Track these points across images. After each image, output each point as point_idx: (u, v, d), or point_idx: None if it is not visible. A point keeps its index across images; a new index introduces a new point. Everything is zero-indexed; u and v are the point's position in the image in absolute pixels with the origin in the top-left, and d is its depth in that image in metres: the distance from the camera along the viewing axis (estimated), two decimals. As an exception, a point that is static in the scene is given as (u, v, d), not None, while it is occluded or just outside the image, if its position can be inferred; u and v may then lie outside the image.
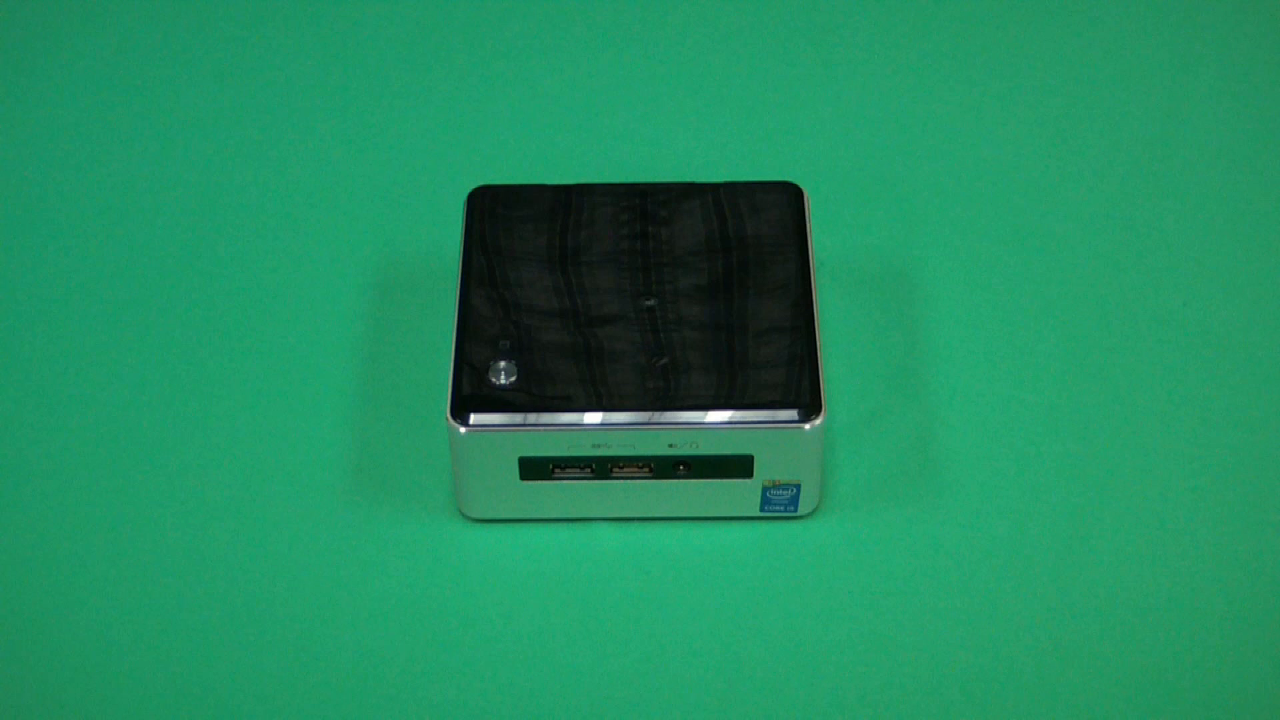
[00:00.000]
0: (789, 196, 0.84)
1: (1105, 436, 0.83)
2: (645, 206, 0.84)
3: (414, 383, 0.85)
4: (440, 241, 0.89)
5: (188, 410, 0.84)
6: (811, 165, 0.93)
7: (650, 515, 0.81)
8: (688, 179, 0.88)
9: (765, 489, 0.80)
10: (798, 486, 0.80)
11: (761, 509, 0.81)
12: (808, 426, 0.78)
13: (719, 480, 0.79)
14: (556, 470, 0.79)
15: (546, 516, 0.81)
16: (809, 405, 0.78)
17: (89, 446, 0.83)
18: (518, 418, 0.78)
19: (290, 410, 0.84)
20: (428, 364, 0.85)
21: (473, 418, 0.78)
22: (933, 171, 0.93)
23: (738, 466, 0.79)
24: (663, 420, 0.78)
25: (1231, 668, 0.77)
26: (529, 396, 0.78)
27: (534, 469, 0.79)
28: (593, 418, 0.78)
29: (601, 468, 0.79)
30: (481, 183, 0.86)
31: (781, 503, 0.80)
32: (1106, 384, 0.85)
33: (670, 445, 0.78)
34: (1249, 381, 0.85)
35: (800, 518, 0.81)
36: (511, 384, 0.79)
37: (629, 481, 0.80)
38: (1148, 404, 0.84)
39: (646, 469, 0.79)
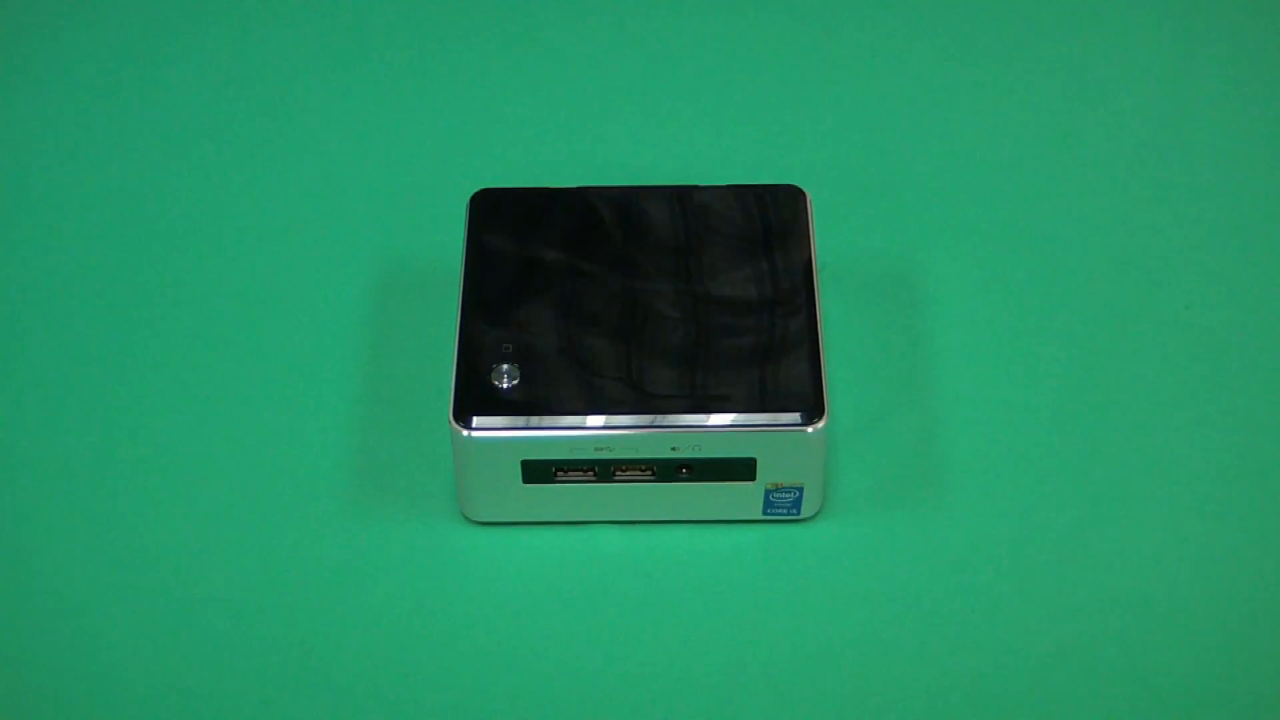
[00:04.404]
0: (791, 199, 0.84)
1: (1108, 440, 0.83)
2: (647, 209, 0.84)
3: (416, 386, 0.85)
4: (443, 245, 0.89)
5: (190, 412, 0.84)
6: (814, 168, 0.93)
7: (653, 518, 0.81)
8: (690, 182, 0.88)
9: (768, 492, 0.80)
10: (801, 489, 0.80)
11: (764, 512, 0.80)
12: (810, 429, 0.78)
13: (722, 483, 0.79)
14: (559, 473, 0.79)
15: (549, 519, 0.81)
16: (812, 408, 0.78)
17: (91, 449, 0.83)
18: (520, 421, 0.78)
19: (293, 413, 0.84)
20: (430, 367, 0.85)
21: (475, 421, 0.78)
22: (935, 174, 0.93)
23: (740, 469, 0.79)
24: (665, 423, 0.78)
25: (1235, 670, 0.77)
26: (531, 400, 0.78)
27: (536, 472, 0.79)
28: (595, 421, 0.78)
29: (604, 471, 0.79)
30: (484, 186, 0.86)
31: (784, 506, 0.80)
32: (1110, 387, 0.85)
33: (673, 448, 0.78)
34: (1252, 384, 0.85)
35: (803, 521, 0.81)
36: (514, 387, 0.79)
37: (631, 484, 0.80)
38: (1151, 407, 0.84)
39: (649, 472, 0.79)
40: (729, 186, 0.85)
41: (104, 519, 0.81)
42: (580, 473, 0.79)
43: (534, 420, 0.78)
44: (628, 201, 0.84)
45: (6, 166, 0.94)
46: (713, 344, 0.80)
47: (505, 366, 0.79)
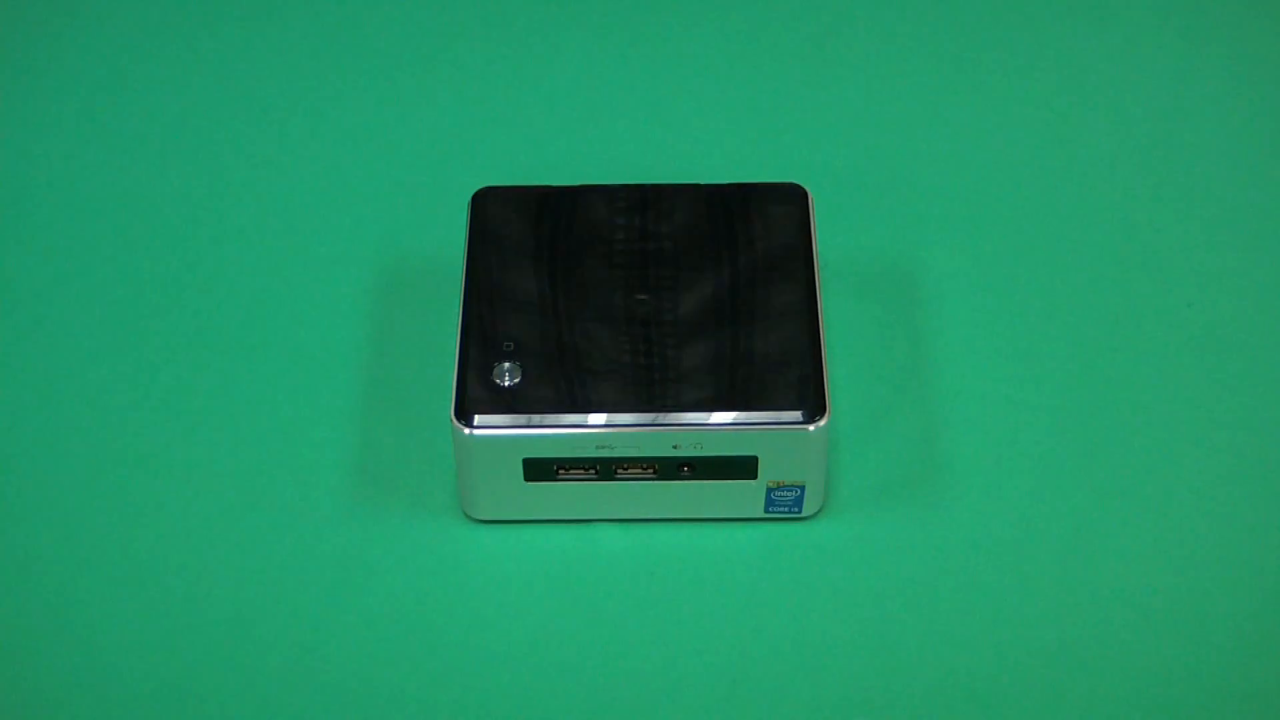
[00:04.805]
0: (793, 197, 0.84)
1: (1110, 438, 0.83)
2: (649, 208, 0.84)
3: (418, 384, 0.85)
4: (445, 243, 0.89)
5: (192, 411, 0.85)
6: (815, 166, 0.93)
7: (654, 516, 0.81)
8: (692, 180, 0.88)
9: (769, 490, 0.80)
10: (802, 488, 0.80)
11: (766, 510, 0.80)
12: (812, 428, 0.78)
13: (723, 481, 0.79)
14: (560, 471, 0.79)
15: (551, 517, 0.81)
16: (813, 406, 0.78)
17: (93, 447, 0.83)
18: (522, 419, 0.78)
19: (295, 412, 0.84)
20: (432, 365, 0.85)
21: (477, 419, 0.78)
22: (937, 172, 0.93)
23: (742, 468, 0.79)
24: (667, 421, 0.78)
25: (1237, 668, 0.77)
26: (533, 398, 0.78)
27: (538, 470, 0.79)
28: (597, 419, 0.78)
29: (605, 469, 0.79)
30: (486, 184, 0.86)
31: (786, 504, 0.80)
32: (1111, 385, 0.85)
33: (674, 446, 0.78)
34: (1253, 382, 0.85)
35: (804, 519, 0.81)
36: (515, 385, 0.79)
37: (633, 483, 0.80)
38: (1152, 405, 0.84)
39: (650, 470, 0.79)
40: (731, 184, 0.85)
41: (105, 517, 0.81)
42: (581, 471, 0.79)
43: (535, 418, 0.78)
44: (629, 200, 0.84)
45: (6, 166, 0.94)
46: (714, 342, 0.80)
47: (507, 365, 0.79)
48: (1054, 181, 0.93)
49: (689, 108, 0.96)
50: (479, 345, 0.80)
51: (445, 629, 0.78)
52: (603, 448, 0.78)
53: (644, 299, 0.81)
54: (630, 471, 0.79)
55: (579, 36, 0.99)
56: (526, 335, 0.80)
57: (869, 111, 0.96)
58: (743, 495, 0.80)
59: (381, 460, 0.83)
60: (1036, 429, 0.84)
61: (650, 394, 0.78)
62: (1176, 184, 0.93)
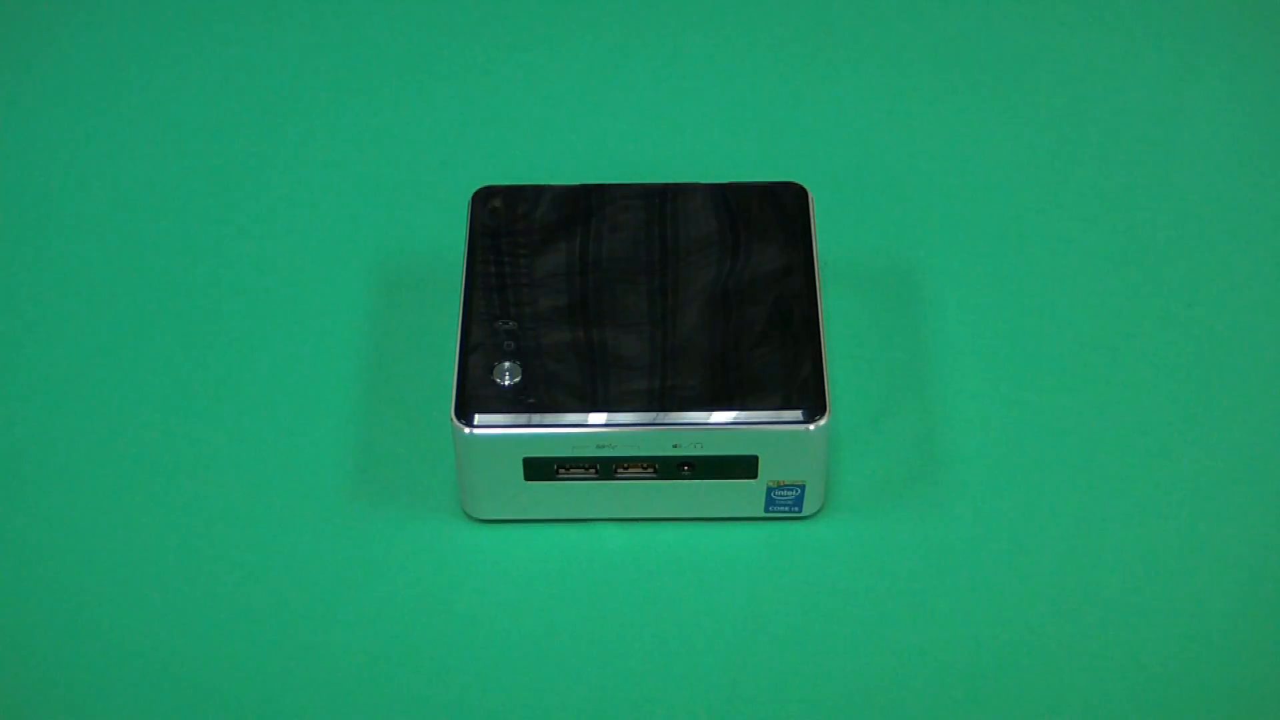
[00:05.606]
0: (793, 196, 0.84)
1: (1110, 437, 0.83)
2: (649, 206, 0.84)
3: (418, 383, 0.85)
4: (445, 241, 0.89)
5: (192, 410, 0.84)
6: (815, 165, 0.93)
7: (655, 516, 0.81)
8: (692, 179, 0.88)
9: (770, 489, 0.80)
10: (802, 487, 0.80)
11: (766, 509, 0.80)
12: (812, 427, 0.78)
13: (723, 481, 0.79)
14: (561, 471, 0.79)
15: (551, 517, 0.81)
16: (813, 406, 0.78)
17: (93, 446, 0.83)
18: (522, 418, 0.78)
19: (295, 411, 0.84)
20: (432, 364, 0.85)
21: (477, 418, 0.78)
22: (937, 172, 0.93)
23: (742, 467, 0.79)
24: (667, 421, 0.78)
25: (1237, 668, 0.77)
26: (533, 397, 0.78)
27: (538, 469, 0.79)
28: (597, 418, 0.78)
29: (606, 468, 0.79)
30: (486, 182, 0.86)
31: (786, 503, 0.80)
32: (1111, 384, 0.85)
33: (674, 446, 0.78)
34: (1253, 382, 0.85)
35: (805, 518, 0.81)
36: (516, 384, 0.79)
37: (633, 482, 0.80)
38: (1152, 404, 0.84)
39: (651, 469, 0.79)
40: (731, 184, 0.85)
41: (105, 517, 0.81)
42: (582, 470, 0.79)
43: (536, 418, 0.78)
44: (630, 199, 0.84)
45: (6, 166, 0.94)
46: (714, 341, 0.80)
47: (507, 364, 0.79)
48: (1053, 181, 0.93)
49: (689, 107, 0.96)
50: (479, 344, 0.80)
51: (445, 628, 0.78)
52: (603, 447, 0.78)
53: (644, 298, 0.81)
54: (630, 471, 0.79)
55: (579, 36, 0.99)
56: (527, 334, 0.80)
57: (869, 111, 0.96)
58: (743, 495, 0.80)
59: (382, 460, 0.83)
60: (1036, 428, 0.84)
61: (650, 393, 0.78)
62: (1176, 183, 0.93)
